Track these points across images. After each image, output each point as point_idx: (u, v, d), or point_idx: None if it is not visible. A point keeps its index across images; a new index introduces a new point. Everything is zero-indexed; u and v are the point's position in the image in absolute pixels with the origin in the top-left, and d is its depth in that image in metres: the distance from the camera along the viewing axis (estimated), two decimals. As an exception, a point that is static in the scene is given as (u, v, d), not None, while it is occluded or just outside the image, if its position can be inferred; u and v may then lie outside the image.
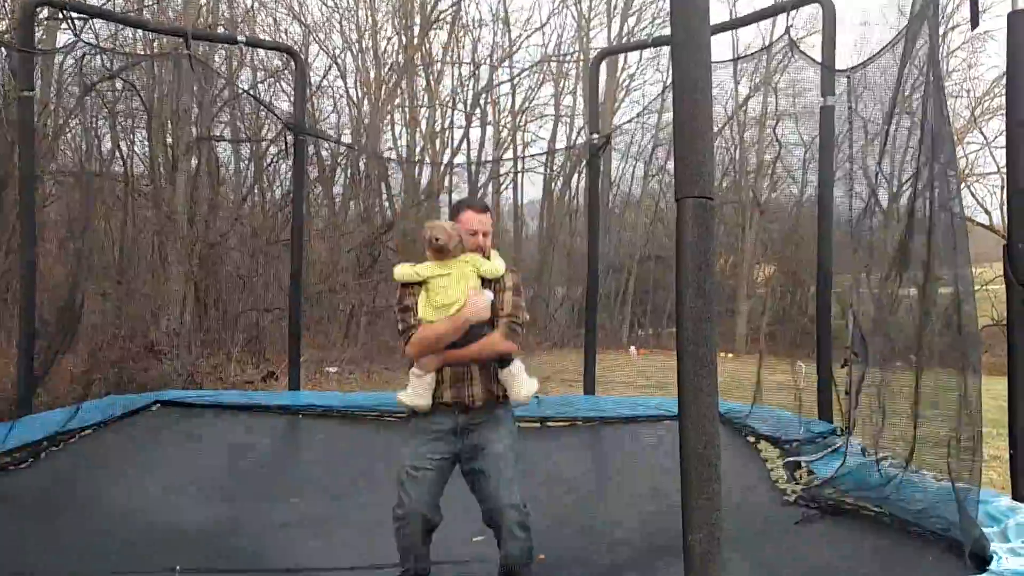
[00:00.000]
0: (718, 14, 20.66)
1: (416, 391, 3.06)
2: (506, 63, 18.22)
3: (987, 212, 18.09)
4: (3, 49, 6.50)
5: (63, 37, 9.13)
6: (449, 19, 16.20)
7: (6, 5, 9.11)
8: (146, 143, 11.45)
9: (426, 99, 16.81)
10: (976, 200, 19.53)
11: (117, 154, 11.25)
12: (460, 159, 17.43)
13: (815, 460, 4.67)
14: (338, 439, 6.05)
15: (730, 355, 15.74)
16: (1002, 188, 15.74)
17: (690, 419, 1.78)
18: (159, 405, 6.66)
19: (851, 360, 4.90)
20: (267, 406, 6.84)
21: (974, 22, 3.10)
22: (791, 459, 4.85)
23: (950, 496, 2.85)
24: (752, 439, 5.71)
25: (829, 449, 4.76)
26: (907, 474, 3.62)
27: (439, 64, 16.80)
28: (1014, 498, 2.90)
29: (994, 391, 3.80)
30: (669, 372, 1.82)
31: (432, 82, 16.82)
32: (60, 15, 6.53)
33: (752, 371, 7.56)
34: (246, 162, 13.96)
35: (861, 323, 4.58)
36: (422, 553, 3.09)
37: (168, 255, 10.50)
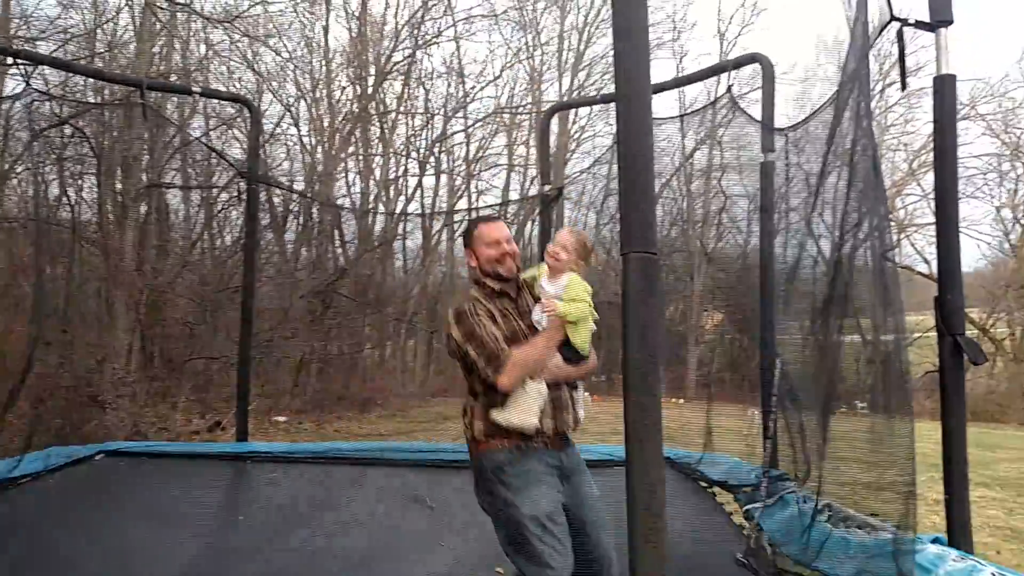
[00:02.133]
0: (666, 70, 21.30)
1: (524, 407, 2.64)
2: (460, 113, 18.46)
3: (926, 261, 18.70)
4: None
5: (11, 83, 9.07)
6: (403, 71, 16.38)
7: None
8: (95, 189, 11.31)
9: (380, 147, 16.91)
10: (915, 250, 20.20)
11: (65, 200, 11.11)
12: (414, 206, 17.52)
13: (763, 508, 4.74)
14: (290, 483, 5.96)
15: (681, 401, 15.90)
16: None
17: (636, 469, 1.83)
18: (103, 455, 6.50)
19: (777, 407, 5.02)
20: (215, 454, 6.74)
21: (903, 84, 3.27)
22: (747, 507, 4.92)
23: (884, 548, 2.93)
24: (704, 484, 5.78)
25: (776, 496, 4.83)
26: (843, 530, 3.69)
27: (393, 114, 16.95)
28: (950, 543, 2.98)
29: (936, 436, 3.93)
30: (622, 419, 1.82)
31: (386, 131, 16.94)
32: (9, 61, 6.49)
33: (702, 417, 7.65)
34: (196, 209, 13.84)
35: (793, 371, 4.69)
36: None
37: (115, 303, 10.31)
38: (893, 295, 3.04)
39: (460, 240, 3.17)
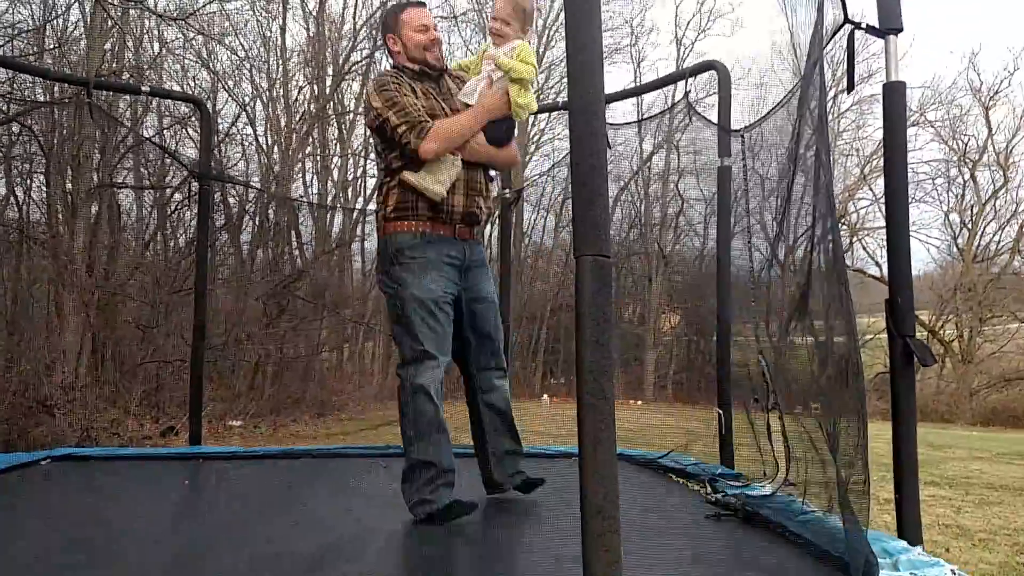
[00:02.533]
0: (624, 74, 21.45)
1: (438, 174, 2.67)
2: (419, 114, 18.37)
3: (878, 264, 19.11)
4: None
5: (-45, 80, 8.83)
6: (362, 71, 16.28)
7: None
8: (44, 189, 11.06)
9: (338, 148, 16.79)
10: (867, 253, 20.64)
11: (12, 200, 10.85)
12: (373, 207, 17.42)
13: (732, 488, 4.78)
14: (245, 481, 5.86)
15: (639, 403, 16.02)
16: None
17: (590, 472, 1.82)
18: (50, 460, 6.33)
19: (756, 405, 5.06)
20: (167, 455, 6.60)
21: (850, 86, 3.32)
22: (712, 481, 4.97)
23: (839, 528, 2.97)
24: (668, 476, 5.81)
25: (748, 488, 4.87)
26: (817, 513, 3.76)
27: (352, 114, 16.84)
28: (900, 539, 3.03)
29: (887, 436, 4.00)
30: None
31: (344, 131, 16.82)
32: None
33: (660, 419, 7.73)
34: (149, 209, 13.61)
35: (752, 372, 4.75)
36: (447, 436, 2.73)
37: (64, 305, 10.08)
38: (846, 297, 3.08)
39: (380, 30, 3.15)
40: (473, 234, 2.91)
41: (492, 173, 2.98)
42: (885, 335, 3.13)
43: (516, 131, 2.98)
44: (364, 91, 3.06)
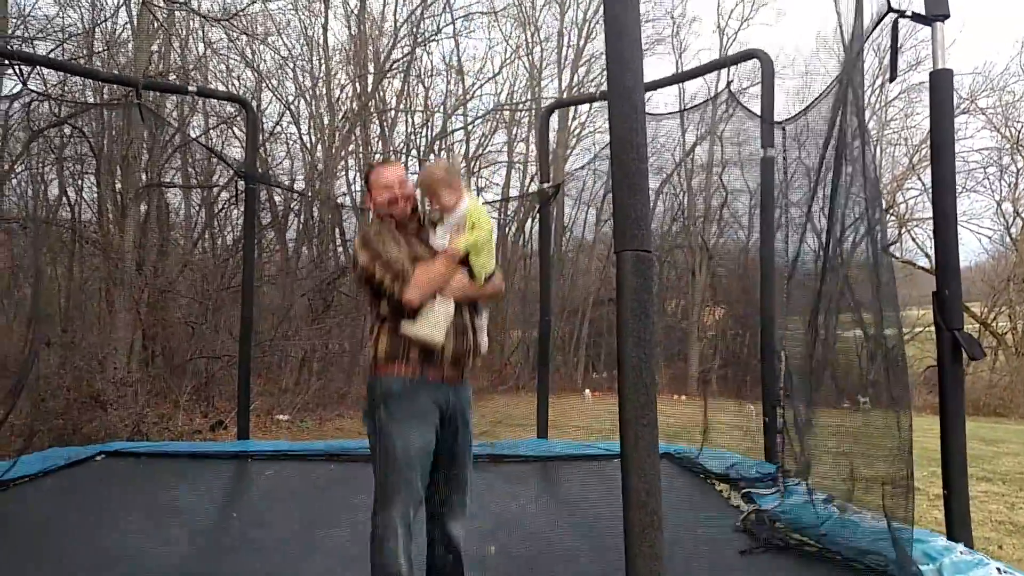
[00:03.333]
0: (665, 65, 21.26)
1: (433, 321, 2.76)
2: (460, 111, 18.46)
3: (927, 256, 18.67)
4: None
5: (9, 84, 9.06)
6: (403, 68, 16.38)
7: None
8: (94, 189, 11.33)
9: (380, 145, 16.92)
10: (916, 244, 20.19)
11: (64, 200, 11.13)
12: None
13: (765, 496, 4.76)
14: (290, 481, 5.95)
15: (683, 397, 15.90)
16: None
17: (632, 467, 1.83)
18: (104, 456, 6.50)
19: (783, 401, 5.01)
20: (216, 453, 6.73)
21: (892, 75, 3.27)
22: (745, 490, 4.94)
23: (886, 534, 2.93)
24: (704, 476, 5.79)
25: (776, 490, 4.83)
26: (846, 515, 3.71)
27: (393, 112, 16.95)
28: (949, 537, 2.98)
29: (937, 431, 3.92)
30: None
31: (386, 129, 16.95)
32: (7, 63, 6.47)
33: (703, 414, 7.66)
34: (197, 208, 13.86)
35: (796, 365, 4.70)
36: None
37: (115, 302, 10.32)
38: (892, 289, 3.04)
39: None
40: (462, 376, 2.98)
41: (479, 307, 3.04)
42: (934, 328, 3.08)
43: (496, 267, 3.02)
44: (353, 245, 3.31)
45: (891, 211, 18.46)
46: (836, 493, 4.10)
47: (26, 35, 9.84)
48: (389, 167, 3.07)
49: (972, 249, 21.26)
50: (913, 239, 20.38)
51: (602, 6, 1.75)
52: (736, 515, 4.50)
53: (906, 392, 2.86)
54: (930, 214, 18.45)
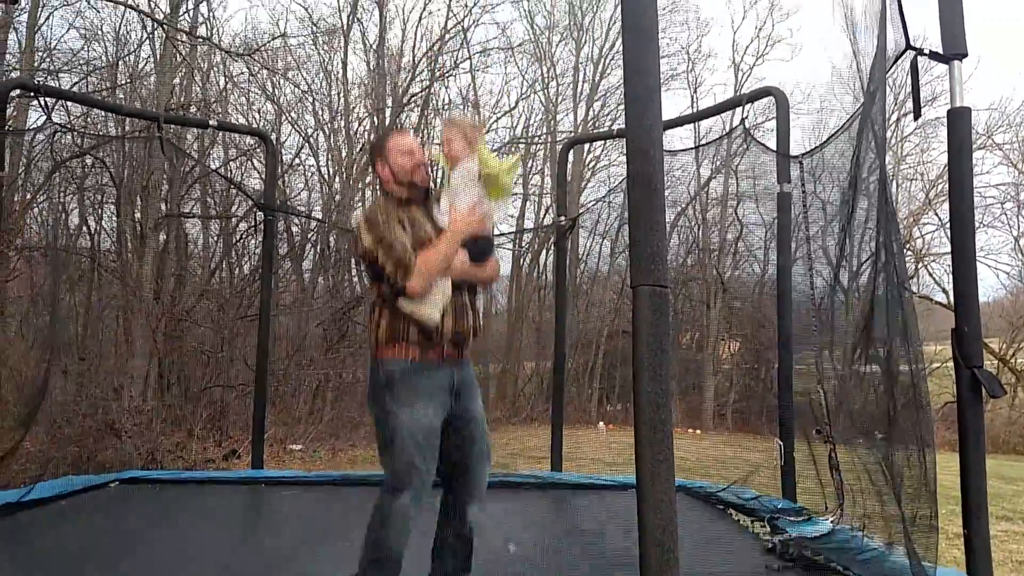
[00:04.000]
0: (681, 100, 21.38)
1: (430, 301, 2.76)
2: (475, 143, 18.55)
3: (944, 291, 18.55)
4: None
5: (34, 115, 9.23)
6: (421, 102, 16.55)
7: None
8: (114, 218, 11.46)
9: (396, 176, 17.02)
10: (934, 279, 20.07)
11: (84, 229, 11.27)
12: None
13: (792, 525, 4.71)
14: (305, 507, 5.93)
15: (698, 431, 15.77)
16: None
17: (648, 504, 1.82)
18: (118, 483, 6.51)
19: (820, 436, 4.96)
20: (230, 479, 6.74)
21: (916, 113, 3.27)
22: (770, 520, 4.89)
23: (908, 570, 2.89)
24: (723, 508, 5.73)
25: (802, 519, 4.78)
26: (873, 547, 3.68)
27: (409, 143, 17.06)
28: (970, 577, 2.94)
29: (955, 468, 3.88)
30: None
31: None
32: (32, 95, 6.60)
33: (719, 449, 7.61)
34: (215, 238, 13.98)
35: (815, 401, 4.67)
36: (399, 571, 2.76)
37: (132, 330, 10.39)
38: (911, 324, 3.02)
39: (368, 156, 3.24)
40: (462, 354, 2.96)
41: (478, 289, 3.06)
42: (952, 363, 3.06)
43: (494, 246, 3.06)
44: (354, 219, 3.20)
45: (908, 246, 18.39)
46: (857, 524, 4.08)
47: (51, 67, 10.04)
48: (407, 133, 3.10)
49: (990, 285, 21.10)
50: (930, 274, 20.28)
51: (621, 46, 1.77)
52: (761, 543, 4.45)
53: (930, 430, 2.83)
54: (947, 249, 18.39)
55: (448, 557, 2.98)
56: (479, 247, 2.94)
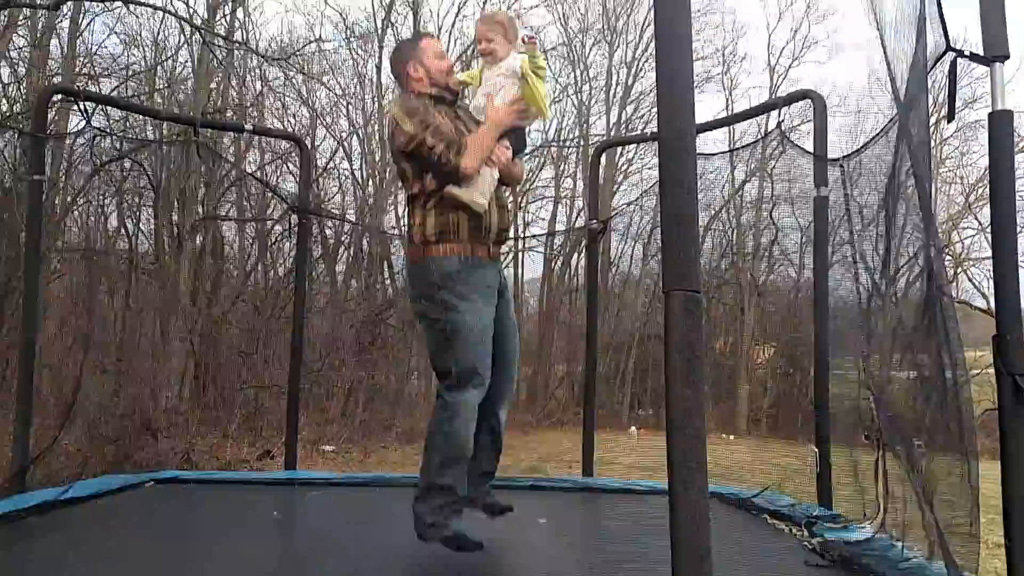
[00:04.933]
0: (716, 102, 21.21)
1: (480, 187, 2.73)
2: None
3: (984, 296, 18.20)
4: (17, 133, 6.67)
5: (75, 119, 9.39)
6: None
7: (21, 88, 9.38)
8: (152, 221, 11.64)
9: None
10: (973, 284, 19.69)
11: (123, 231, 11.46)
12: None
13: (830, 530, 4.64)
14: (339, 509, 5.94)
15: (732, 437, 15.62)
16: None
17: (680, 511, 1.79)
18: (154, 483, 6.58)
19: (867, 443, 4.88)
20: (265, 480, 6.78)
21: (950, 116, 3.21)
22: (806, 524, 4.82)
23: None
24: (756, 513, 5.64)
25: (841, 525, 4.71)
26: (913, 555, 3.62)
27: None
28: (1013, 590, 2.86)
29: (996, 476, 3.79)
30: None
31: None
32: (72, 100, 6.71)
33: (754, 454, 7.52)
34: (251, 240, 14.14)
35: (874, 406, 4.59)
36: (468, 463, 2.80)
37: (169, 332, 10.53)
38: (952, 330, 2.96)
39: (391, 62, 3.15)
40: (498, 254, 2.99)
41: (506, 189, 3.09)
42: (992, 370, 2.99)
43: (527, 143, 3.09)
44: (387, 117, 3.14)
45: (947, 250, 18.07)
46: (897, 532, 4.01)
47: (92, 72, 10.22)
48: (435, 38, 3.08)
49: (1032, 289, 20.63)
50: (970, 279, 19.90)
51: (655, 51, 1.75)
52: (799, 546, 4.38)
53: (972, 437, 2.77)
54: (987, 254, 18.02)
55: (482, 456, 3.00)
56: (515, 139, 2.94)
